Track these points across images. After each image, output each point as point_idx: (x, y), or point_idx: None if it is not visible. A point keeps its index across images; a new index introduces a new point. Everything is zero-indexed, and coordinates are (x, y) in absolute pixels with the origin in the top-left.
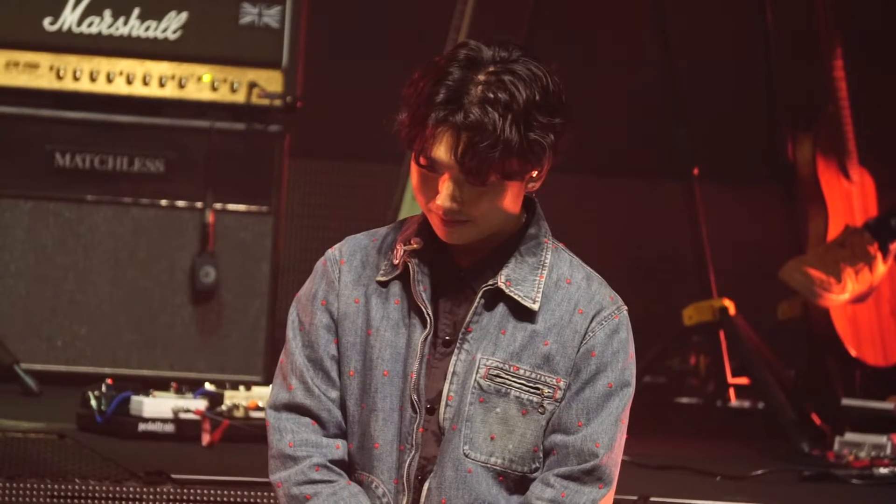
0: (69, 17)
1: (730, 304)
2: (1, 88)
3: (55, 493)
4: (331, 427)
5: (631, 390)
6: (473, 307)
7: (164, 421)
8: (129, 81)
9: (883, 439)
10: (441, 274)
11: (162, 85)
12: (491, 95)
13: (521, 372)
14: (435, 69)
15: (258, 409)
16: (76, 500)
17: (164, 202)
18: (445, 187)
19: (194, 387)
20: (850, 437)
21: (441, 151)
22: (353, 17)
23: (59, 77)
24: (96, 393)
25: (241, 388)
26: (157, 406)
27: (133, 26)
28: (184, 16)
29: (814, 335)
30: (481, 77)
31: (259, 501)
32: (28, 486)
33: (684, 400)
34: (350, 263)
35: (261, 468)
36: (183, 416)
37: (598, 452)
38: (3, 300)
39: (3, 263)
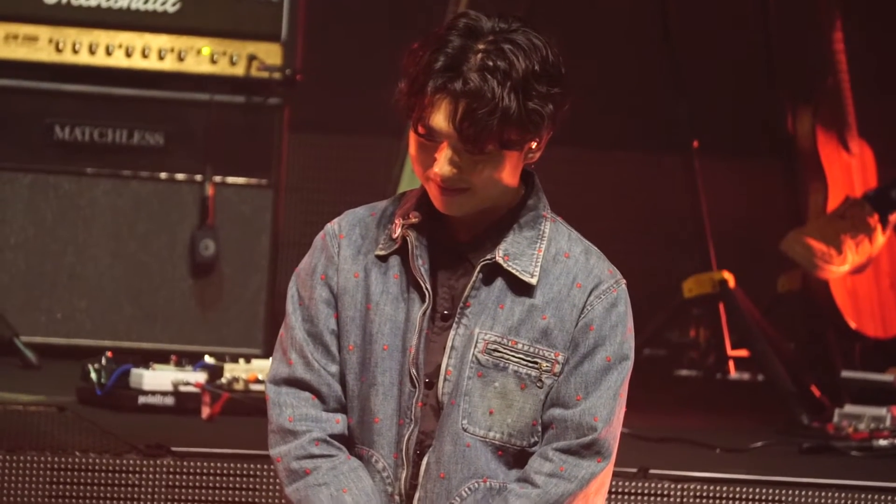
0: None
1: (729, 277)
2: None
3: (55, 466)
4: (330, 401)
5: (629, 364)
6: (472, 281)
7: (163, 394)
8: (128, 54)
9: (882, 411)
10: (440, 248)
11: (161, 58)
12: (490, 63)
13: (520, 346)
14: (434, 38)
15: (258, 381)
16: (76, 473)
17: (163, 175)
18: (443, 154)
19: (194, 360)
20: (849, 409)
21: (439, 119)
22: None
23: (58, 50)
24: (96, 366)
25: (241, 360)
26: (157, 379)
27: None
28: None
29: (813, 308)
30: (480, 46)
31: (259, 474)
32: (28, 458)
33: (684, 372)
34: (349, 237)
35: (260, 441)
36: (183, 388)
37: (596, 426)
38: (2, 273)
39: (3, 236)
